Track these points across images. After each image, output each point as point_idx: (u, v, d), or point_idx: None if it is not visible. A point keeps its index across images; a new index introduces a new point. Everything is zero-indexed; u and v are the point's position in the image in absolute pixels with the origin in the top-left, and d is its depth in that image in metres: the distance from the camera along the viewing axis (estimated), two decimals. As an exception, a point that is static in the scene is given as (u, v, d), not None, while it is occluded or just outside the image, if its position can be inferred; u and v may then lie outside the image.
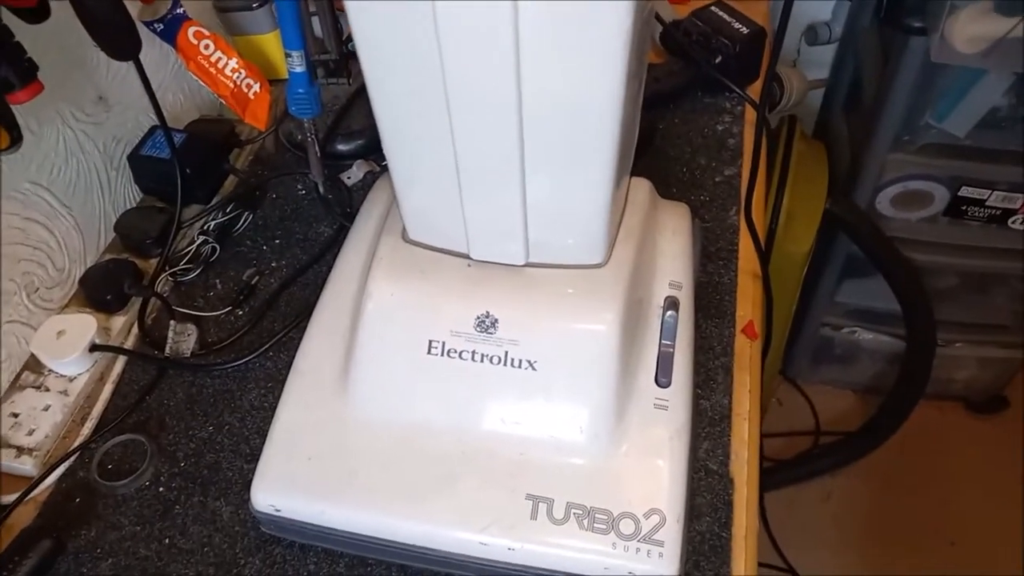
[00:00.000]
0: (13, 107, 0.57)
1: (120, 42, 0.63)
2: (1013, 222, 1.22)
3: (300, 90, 0.65)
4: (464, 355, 0.55)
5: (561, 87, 0.44)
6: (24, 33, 0.57)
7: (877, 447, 1.46)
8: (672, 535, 0.52)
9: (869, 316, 1.44)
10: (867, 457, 1.48)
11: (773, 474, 1.51)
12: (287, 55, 0.63)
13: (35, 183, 0.69)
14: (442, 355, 0.55)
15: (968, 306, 1.38)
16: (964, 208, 1.21)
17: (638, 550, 0.52)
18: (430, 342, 0.55)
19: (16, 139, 0.58)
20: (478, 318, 0.54)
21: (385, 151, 0.51)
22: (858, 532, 1.48)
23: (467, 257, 0.56)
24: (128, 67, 0.77)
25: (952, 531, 1.47)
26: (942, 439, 1.58)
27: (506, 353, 0.54)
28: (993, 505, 1.49)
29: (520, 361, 0.54)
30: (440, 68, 0.43)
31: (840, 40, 1.34)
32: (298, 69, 0.63)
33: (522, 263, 0.55)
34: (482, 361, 0.55)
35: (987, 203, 1.19)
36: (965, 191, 1.18)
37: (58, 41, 0.68)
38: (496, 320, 0.54)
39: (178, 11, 0.71)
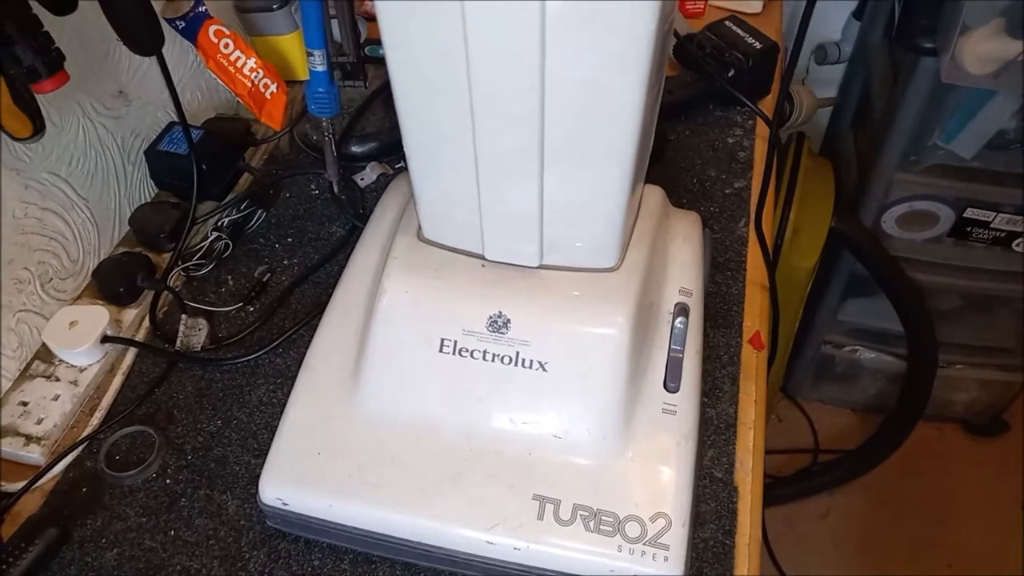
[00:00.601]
0: (37, 96, 0.58)
1: (143, 37, 0.64)
2: (1017, 245, 1.22)
3: (320, 89, 0.65)
4: (476, 354, 0.55)
5: (584, 86, 0.45)
6: (49, 25, 0.58)
7: (876, 466, 1.47)
8: (678, 539, 0.52)
9: (871, 335, 1.45)
10: (866, 476, 1.48)
11: (772, 490, 1.51)
12: (308, 54, 0.63)
13: (54, 173, 0.70)
14: (454, 353, 0.55)
15: (970, 328, 1.39)
16: (969, 229, 1.22)
17: (643, 553, 0.52)
18: (442, 340, 0.56)
19: (39, 128, 0.59)
20: (491, 318, 0.55)
21: (405, 146, 0.52)
22: (855, 550, 1.48)
23: (482, 258, 0.57)
24: (148, 63, 0.78)
25: (949, 553, 1.47)
26: (941, 461, 1.58)
27: (517, 353, 0.55)
28: (991, 528, 1.49)
29: (531, 362, 0.55)
30: (465, 62, 0.44)
31: (849, 59, 1.35)
32: (319, 68, 0.64)
33: (536, 265, 0.56)
34: (493, 361, 0.55)
35: (992, 225, 1.20)
36: (970, 212, 1.19)
37: (81, 34, 0.69)
38: (508, 320, 0.55)
39: (200, 9, 0.72)
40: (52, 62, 0.57)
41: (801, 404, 1.65)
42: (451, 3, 0.41)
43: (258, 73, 0.74)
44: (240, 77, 0.74)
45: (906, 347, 1.33)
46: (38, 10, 0.57)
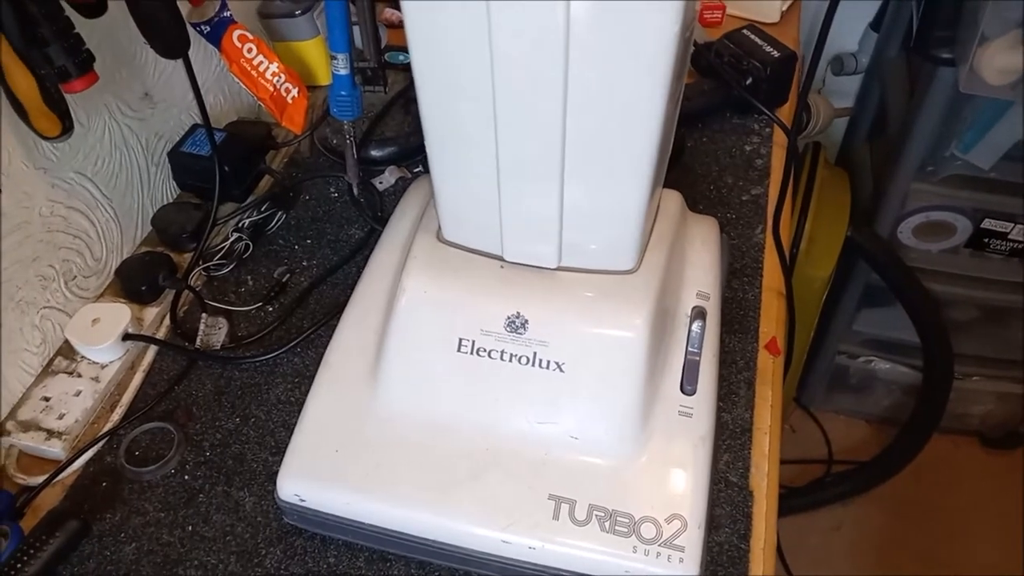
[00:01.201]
0: (67, 96, 0.59)
1: (170, 40, 0.65)
2: (1035, 256, 1.22)
3: (343, 92, 0.66)
4: (493, 354, 0.56)
5: (607, 88, 0.45)
6: (79, 27, 0.59)
7: (890, 478, 1.46)
8: (693, 541, 0.52)
9: (886, 346, 1.44)
10: (880, 488, 1.47)
11: (785, 500, 1.50)
12: (332, 57, 0.64)
13: (80, 173, 0.71)
14: (472, 353, 0.56)
15: (987, 339, 1.38)
16: (986, 240, 1.21)
17: (659, 554, 0.52)
18: (460, 340, 0.56)
19: (68, 128, 0.60)
20: (509, 318, 0.55)
21: (427, 147, 0.52)
22: (869, 562, 1.47)
23: (500, 259, 0.57)
24: (173, 66, 0.79)
25: (963, 566, 1.45)
26: (956, 473, 1.57)
27: (535, 354, 0.55)
28: (1005, 541, 1.47)
29: (548, 362, 0.55)
30: (489, 63, 0.45)
31: (866, 71, 1.36)
32: (343, 72, 0.65)
33: (554, 266, 0.56)
34: (511, 361, 0.56)
35: (1009, 236, 1.19)
36: (988, 223, 1.18)
37: (110, 37, 0.70)
38: (526, 321, 0.55)
39: (225, 14, 0.73)
40: (83, 63, 0.58)
41: (815, 415, 1.64)
42: (477, 4, 0.42)
43: (280, 78, 0.75)
44: (262, 81, 0.75)
45: (921, 358, 1.32)
46: (69, 12, 0.58)
